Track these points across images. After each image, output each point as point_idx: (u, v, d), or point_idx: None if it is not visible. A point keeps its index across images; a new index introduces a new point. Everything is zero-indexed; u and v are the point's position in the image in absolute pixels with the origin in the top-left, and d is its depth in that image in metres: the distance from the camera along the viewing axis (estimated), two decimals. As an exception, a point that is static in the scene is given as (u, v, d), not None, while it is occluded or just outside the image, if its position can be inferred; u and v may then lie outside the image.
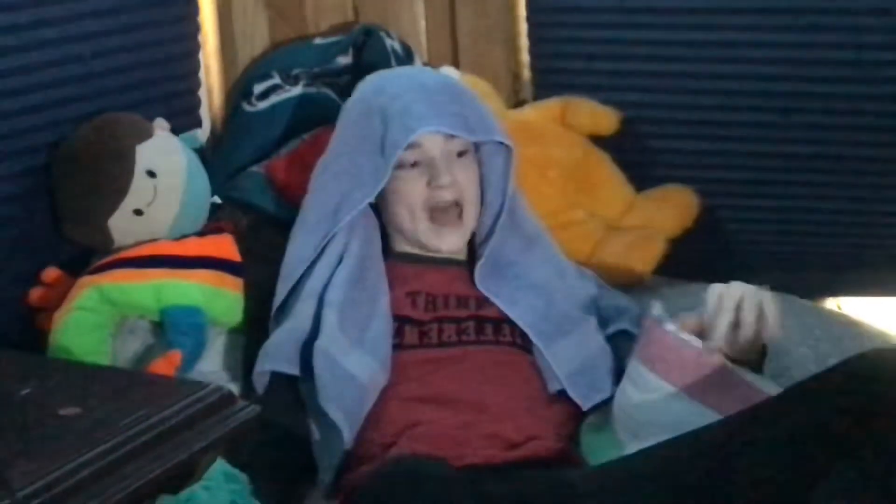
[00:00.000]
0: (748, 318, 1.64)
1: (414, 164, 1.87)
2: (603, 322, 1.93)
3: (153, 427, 1.33)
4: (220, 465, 1.55)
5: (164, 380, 1.69)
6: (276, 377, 1.82)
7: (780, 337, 1.69)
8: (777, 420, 1.51)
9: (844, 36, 2.17)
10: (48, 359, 1.81)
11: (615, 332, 1.92)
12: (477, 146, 1.93)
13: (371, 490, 1.58)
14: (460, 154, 1.89)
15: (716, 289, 1.69)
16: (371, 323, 1.83)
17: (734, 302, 1.65)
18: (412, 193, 1.87)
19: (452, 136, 1.87)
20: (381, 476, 1.61)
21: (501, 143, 1.91)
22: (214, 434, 1.37)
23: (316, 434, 1.80)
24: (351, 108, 1.95)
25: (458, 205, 1.88)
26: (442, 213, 1.88)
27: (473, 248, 1.95)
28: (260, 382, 1.82)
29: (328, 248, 1.89)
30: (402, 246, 1.94)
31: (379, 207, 1.93)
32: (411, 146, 1.85)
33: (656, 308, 1.73)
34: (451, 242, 1.90)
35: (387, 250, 1.95)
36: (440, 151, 1.87)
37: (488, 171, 1.93)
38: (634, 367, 1.73)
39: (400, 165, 1.86)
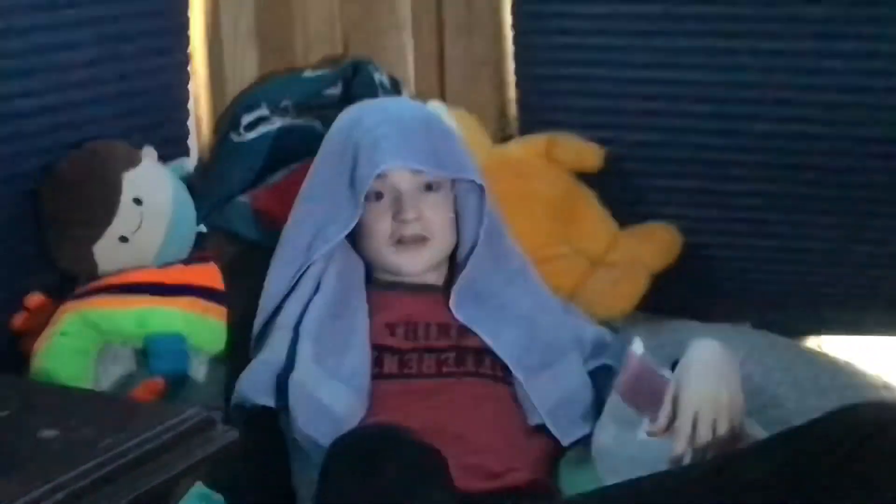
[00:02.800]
0: (703, 433, 1.65)
1: (379, 197, 1.88)
2: (585, 356, 1.93)
3: (132, 450, 1.34)
4: (196, 488, 1.56)
5: (145, 403, 1.70)
6: (256, 407, 1.82)
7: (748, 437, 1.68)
8: (763, 462, 1.52)
9: (830, 78, 2.18)
10: (28, 381, 1.81)
11: (597, 366, 1.92)
12: (454, 180, 1.94)
13: (340, 450, 1.57)
14: (430, 187, 1.90)
15: (672, 396, 1.69)
16: (348, 352, 1.83)
17: (690, 419, 1.65)
18: (378, 226, 1.89)
19: (420, 171, 1.89)
20: (351, 437, 1.59)
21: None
22: (194, 458, 1.38)
23: (296, 463, 1.80)
24: (328, 140, 1.97)
25: (424, 239, 1.89)
26: (407, 244, 1.89)
27: (454, 278, 1.96)
28: (237, 414, 1.83)
29: (303, 279, 1.90)
30: (380, 274, 1.96)
31: (354, 238, 1.94)
32: (379, 177, 1.86)
33: (637, 343, 1.74)
34: (414, 264, 1.90)
35: (368, 278, 1.95)
36: (407, 185, 1.89)
37: (464, 207, 1.94)
38: (615, 401, 1.74)
39: (367, 198, 1.87)
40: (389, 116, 1.93)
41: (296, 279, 1.90)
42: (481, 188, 1.91)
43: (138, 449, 1.34)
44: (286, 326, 1.87)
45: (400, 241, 1.89)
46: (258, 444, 1.80)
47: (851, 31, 2.16)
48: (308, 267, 1.90)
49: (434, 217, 1.90)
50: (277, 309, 1.90)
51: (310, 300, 1.88)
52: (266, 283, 1.93)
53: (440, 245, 1.91)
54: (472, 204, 1.93)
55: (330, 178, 1.91)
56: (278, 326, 1.87)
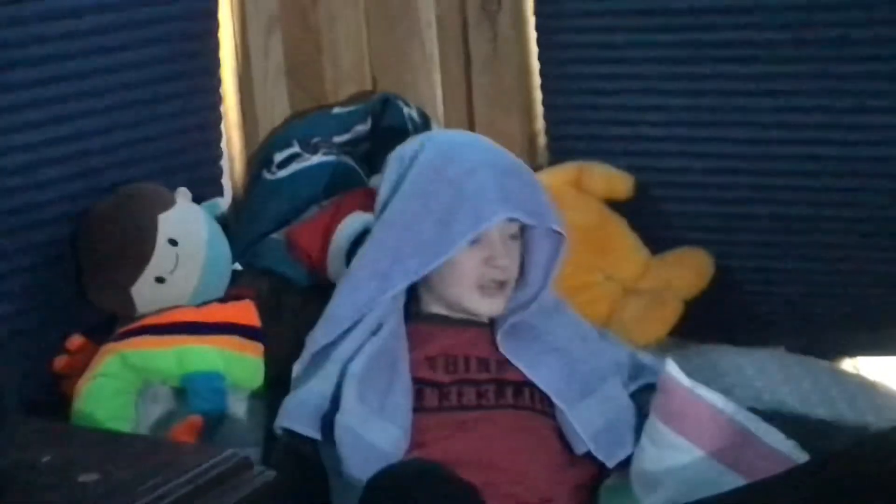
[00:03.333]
0: None
1: (474, 242, 1.89)
2: (625, 380, 1.94)
3: (170, 493, 1.36)
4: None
5: (183, 445, 1.71)
6: (297, 434, 1.84)
7: None
8: (798, 490, 1.53)
9: (858, 100, 2.18)
10: (70, 426, 1.83)
11: (639, 387, 1.93)
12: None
13: (377, 488, 1.58)
14: (514, 235, 1.92)
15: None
16: (391, 389, 1.84)
17: None
18: (467, 269, 1.89)
19: (514, 219, 1.90)
20: (387, 474, 1.61)
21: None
22: (230, 499, 1.39)
23: (337, 494, 1.82)
24: (418, 172, 1.93)
25: (504, 284, 1.91)
26: (489, 288, 1.90)
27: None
28: (279, 443, 1.85)
29: (369, 315, 1.89)
30: (430, 307, 1.96)
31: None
32: None
33: (671, 365, 1.75)
34: (494, 308, 1.92)
35: (409, 310, 1.96)
36: (501, 233, 1.90)
37: (533, 251, 1.94)
38: (652, 422, 1.75)
39: None
40: (485, 160, 1.92)
41: (364, 311, 1.89)
42: (558, 237, 1.92)
43: (176, 492, 1.36)
44: (339, 361, 1.86)
45: (483, 286, 1.90)
46: (298, 475, 1.82)
47: (875, 52, 2.15)
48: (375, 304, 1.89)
49: (514, 262, 1.92)
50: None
51: (367, 340, 1.88)
52: (332, 305, 1.92)
53: (513, 287, 1.93)
54: (543, 250, 1.93)
55: (417, 212, 1.90)
56: (333, 359, 1.87)
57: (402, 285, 1.89)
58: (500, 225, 1.89)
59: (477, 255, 1.89)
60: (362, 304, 1.90)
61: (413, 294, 1.97)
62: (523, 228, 1.94)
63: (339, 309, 1.92)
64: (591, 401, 1.88)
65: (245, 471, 1.42)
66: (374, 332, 1.88)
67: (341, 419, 1.79)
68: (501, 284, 1.90)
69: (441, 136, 2.05)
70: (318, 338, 1.91)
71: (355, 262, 1.95)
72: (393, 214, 1.93)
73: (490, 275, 1.89)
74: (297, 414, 1.84)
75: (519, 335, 1.92)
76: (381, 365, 1.86)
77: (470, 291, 1.90)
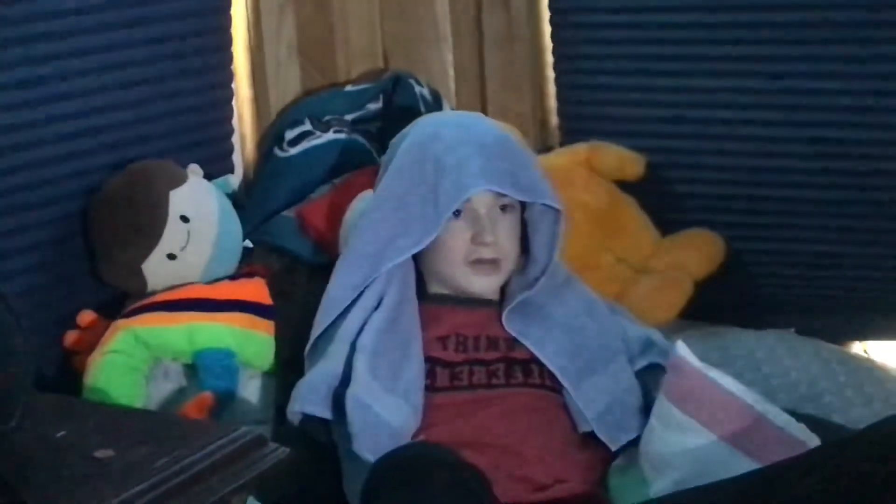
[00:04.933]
0: None
1: (457, 215, 1.89)
2: (633, 356, 1.94)
3: (185, 469, 1.36)
4: (248, 502, 1.58)
5: (197, 422, 1.72)
6: (309, 416, 1.84)
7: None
8: (811, 473, 1.53)
9: (869, 83, 2.18)
10: (83, 401, 1.83)
11: (646, 365, 1.93)
12: (525, 202, 1.95)
13: (382, 470, 1.58)
14: (504, 209, 1.91)
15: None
16: (404, 366, 1.84)
17: None
18: (455, 246, 1.90)
19: (501, 193, 1.90)
20: (393, 456, 1.60)
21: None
22: (245, 476, 1.40)
23: (348, 475, 1.81)
24: (405, 152, 1.95)
25: (497, 261, 1.91)
26: (480, 265, 1.91)
27: (504, 289, 1.97)
28: (292, 422, 1.85)
29: (367, 291, 1.90)
30: (435, 288, 1.97)
31: (417, 251, 1.93)
32: None
33: (681, 346, 1.75)
34: (486, 286, 1.92)
35: (420, 291, 1.97)
36: (487, 207, 1.90)
37: (536, 229, 1.94)
38: (662, 404, 1.75)
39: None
40: (470, 136, 1.93)
41: (360, 289, 1.90)
42: (556, 212, 1.92)
43: (192, 468, 1.36)
44: (345, 338, 1.87)
45: (474, 263, 1.90)
46: (311, 456, 1.82)
47: (886, 35, 2.15)
48: (373, 280, 1.90)
49: (507, 241, 1.91)
50: (338, 317, 1.90)
51: (371, 313, 1.88)
52: (329, 288, 1.93)
53: (509, 267, 1.93)
54: (544, 227, 1.93)
55: (405, 191, 1.91)
56: (338, 338, 1.87)
57: (392, 263, 1.89)
58: (486, 200, 1.89)
59: (464, 233, 1.89)
60: (358, 283, 1.90)
61: (420, 275, 1.97)
62: (525, 207, 1.94)
63: (335, 291, 1.92)
64: (597, 379, 1.88)
65: (259, 448, 1.43)
66: (376, 308, 1.88)
67: (352, 393, 1.79)
68: (494, 262, 1.90)
69: (430, 117, 2.06)
70: (319, 322, 1.92)
71: (350, 244, 1.96)
72: (383, 196, 1.94)
73: (478, 252, 1.89)
74: (309, 396, 1.84)
75: (526, 312, 1.92)
76: (393, 342, 1.86)
77: (461, 269, 1.91)
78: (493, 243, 1.89)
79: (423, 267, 1.96)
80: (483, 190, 1.88)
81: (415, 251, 1.90)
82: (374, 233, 1.92)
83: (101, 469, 1.36)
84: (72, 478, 1.35)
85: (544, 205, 1.92)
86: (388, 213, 1.91)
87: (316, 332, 1.91)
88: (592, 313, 1.98)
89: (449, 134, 1.93)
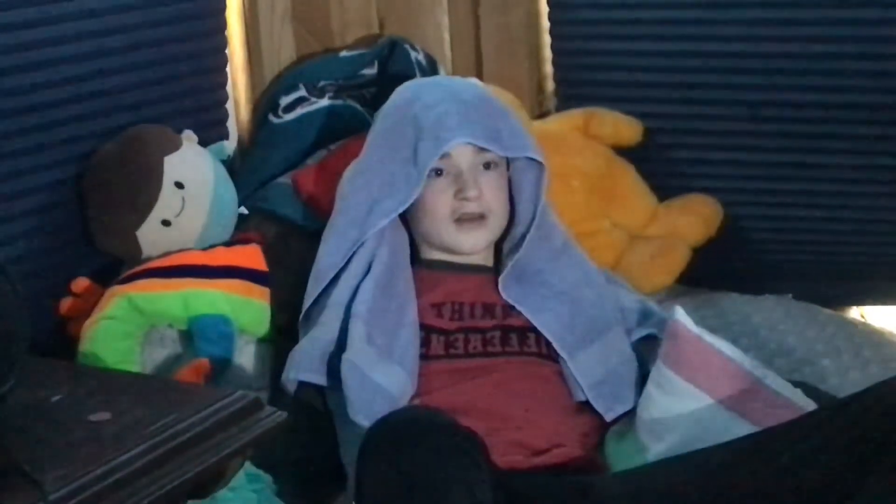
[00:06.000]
0: None
1: (439, 173, 1.89)
2: (630, 326, 1.93)
3: (182, 433, 1.36)
4: (245, 468, 1.58)
5: (193, 386, 1.72)
6: (304, 384, 1.84)
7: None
8: (808, 437, 1.53)
9: (869, 46, 2.17)
10: (78, 366, 1.83)
11: (642, 336, 1.92)
12: (508, 161, 1.94)
13: (376, 434, 1.58)
14: (488, 166, 1.90)
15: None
16: (399, 332, 1.84)
17: None
18: (438, 203, 1.89)
19: (482, 149, 1.89)
20: (386, 421, 1.60)
21: (533, 159, 1.92)
22: (242, 440, 1.40)
23: (344, 441, 1.82)
24: (385, 116, 1.97)
25: (483, 216, 1.90)
26: (467, 222, 1.90)
27: (500, 257, 1.97)
28: (288, 389, 1.84)
29: (356, 256, 1.90)
30: (429, 253, 1.96)
31: (406, 215, 1.95)
32: (441, 156, 1.87)
33: (680, 312, 1.75)
34: (474, 242, 1.91)
35: (414, 258, 1.96)
36: (469, 163, 1.89)
37: (519, 186, 1.94)
38: (659, 369, 1.75)
39: (427, 174, 1.88)
40: (449, 94, 1.93)
41: (349, 255, 1.90)
42: (539, 167, 1.91)
43: (188, 431, 1.36)
44: (338, 304, 1.87)
45: (460, 220, 1.89)
46: (307, 423, 1.82)
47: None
48: (361, 244, 1.90)
49: (493, 195, 1.90)
50: (328, 285, 1.91)
51: (362, 279, 1.88)
52: (318, 257, 1.93)
53: (497, 223, 1.92)
54: (528, 183, 1.93)
55: (387, 154, 1.91)
56: (330, 304, 1.87)
57: (378, 226, 1.88)
58: (467, 156, 1.88)
59: (447, 189, 1.88)
60: (346, 250, 1.90)
61: (413, 241, 1.97)
62: (509, 165, 1.93)
63: (324, 259, 1.92)
64: (593, 349, 1.88)
65: (256, 411, 1.42)
66: (367, 273, 1.88)
67: (348, 358, 1.78)
68: (480, 217, 1.89)
69: (410, 82, 2.05)
70: (309, 291, 1.92)
71: (335, 212, 1.96)
72: (366, 162, 1.95)
73: (463, 207, 1.88)
74: (304, 363, 1.84)
75: (523, 279, 1.92)
76: (387, 307, 1.85)
77: (447, 226, 1.90)
78: (477, 198, 1.88)
79: (413, 231, 1.96)
80: (462, 143, 1.87)
81: (399, 211, 1.89)
82: (359, 198, 1.92)
83: (96, 432, 1.35)
84: (68, 441, 1.34)
85: (528, 160, 1.91)
86: (371, 178, 1.91)
87: (307, 301, 1.91)
88: (589, 282, 1.97)
89: (427, 94, 1.93)
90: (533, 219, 1.91)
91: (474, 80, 2.22)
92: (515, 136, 1.92)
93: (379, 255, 1.90)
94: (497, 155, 1.90)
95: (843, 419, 1.53)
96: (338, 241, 1.92)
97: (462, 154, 1.89)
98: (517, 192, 1.94)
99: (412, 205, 1.90)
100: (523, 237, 1.91)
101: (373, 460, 1.54)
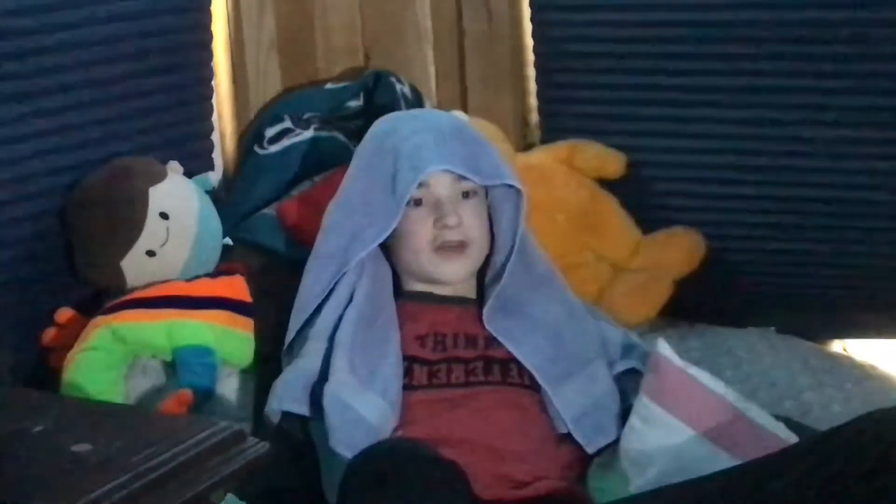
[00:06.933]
0: None
1: (418, 203, 1.89)
2: (612, 359, 1.93)
3: (164, 463, 1.35)
4: (227, 499, 1.57)
5: (176, 417, 1.71)
6: (287, 415, 1.84)
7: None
8: (790, 469, 1.53)
9: (850, 82, 2.19)
10: (60, 396, 1.82)
11: (624, 370, 1.92)
12: (488, 190, 1.95)
13: (359, 466, 1.57)
14: (467, 195, 1.91)
15: None
16: (381, 363, 1.84)
17: None
18: (418, 232, 1.89)
19: (461, 178, 1.90)
20: (369, 453, 1.60)
21: (512, 186, 1.92)
22: (225, 471, 1.39)
23: (326, 472, 1.81)
24: (364, 148, 1.97)
25: (463, 244, 1.90)
26: (447, 250, 1.90)
27: (482, 288, 1.97)
28: (270, 420, 1.84)
29: (338, 287, 1.90)
30: (411, 285, 1.96)
31: (388, 247, 1.95)
32: (420, 185, 1.87)
33: (662, 344, 1.75)
34: (455, 270, 1.91)
35: (397, 290, 1.96)
36: (447, 192, 1.90)
37: (499, 214, 1.94)
38: (642, 401, 1.75)
39: (407, 204, 1.88)
40: (426, 124, 1.94)
41: (330, 287, 1.91)
42: (517, 195, 1.92)
43: (171, 462, 1.35)
44: (320, 336, 1.87)
45: (440, 248, 1.89)
46: (289, 454, 1.82)
47: (861, 32, 2.15)
48: (342, 275, 1.91)
49: (472, 224, 1.90)
50: (311, 317, 1.91)
51: (344, 310, 1.88)
52: (300, 290, 1.94)
53: (478, 252, 1.92)
54: (507, 211, 1.93)
55: (367, 186, 1.92)
56: (312, 336, 1.88)
57: (359, 256, 1.89)
58: (446, 185, 1.89)
59: (427, 218, 1.89)
60: (328, 282, 1.91)
61: (396, 274, 1.97)
62: (488, 194, 1.94)
63: (306, 291, 1.92)
64: (576, 381, 1.87)
65: (239, 443, 1.42)
66: (349, 303, 1.88)
67: (330, 388, 1.78)
68: (461, 246, 1.90)
69: (389, 115, 2.06)
70: (292, 324, 1.92)
71: (316, 245, 1.96)
72: (345, 194, 1.95)
73: (443, 236, 1.88)
74: (287, 394, 1.83)
75: (507, 311, 1.92)
76: (370, 338, 1.86)
77: (427, 255, 1.90)
78: (457, 225, 1.88)
79: (395, 263, 1.96)
80: (440, 172, 1.88)
81: (379, 241, 1.89)
82: (340, 230, 1.92)
83: (79, 463, 1.34)
84: (49, 472, 1.34)
85: (507, 188, 1.92)
86: (351, 210, 1.92)
87: (290, 334, 1.91)
88: (572, 315, 1.97)
89: (405, 125, 1.94)
90: (513, 246, 1.91)
91: (456, 112, 2.23)
92: (493, 164, 1.93)
93: (360, 286, 1.90)
94: (475, 184, 1.91)
95: (825, 451, 1.53)
96: (319, 273, 1.92)
97: (440, 183, 1.89)
98: (497, 221, 1.95)
99: (393, 236, 1.91)
100: (504, 266, 1.92)
101: (355, 492, 1.54)
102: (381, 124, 1.99)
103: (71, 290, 2.08)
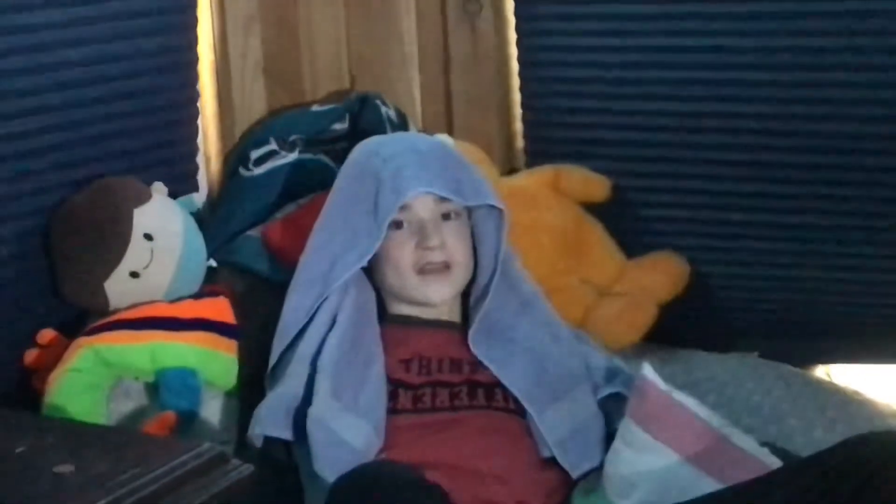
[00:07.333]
0: None
1: (399, 226, 1.89)
2: (597, 384, 1.94)
3: (147, 485, 1.35)
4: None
5: (158, 438, 1.70)
6: (270, 439, 1.83)
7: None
8: (773, 494, 1.54)
9: (831, 108, 2.19)
10: (42, 417, 1.82)
11: (608, 394, 1.92)
12: (470, 212, 1.95)
13: (342, 489, 1.57)
14: (449, 216, 1.91)
15: None
16: (365, 386, 1.84)
17: None
18: (401, 255, 1.90)
19: (443, 199, 1.90)
20: (352, 476, 1.60)
21: (494, 207, 1.92)
22: (207, 493, 1.39)
23: (310, 496, 1.80)
24: (346, 171, 1.98)
25: (447, 266, 1.90)
26: (431, 272, 1.90)
27: (467, 312, 1.97)
28: (254, 445, 1.84)
29: (320, 311, 1.90)
30: (396, 308, 1.96)
31: (371, 270, 1.95)
32: (402, 208, 1.88)
33: (648, 369, 1.75)
34: (439, 292, 1.91)
35: (382, 313, 1.96)
36: (429, 214, 1.90)
37: (482, 235, 1.95)
38: (627, 425, 1.75)
39: (389, 226, 1.88)
40: (407, 146, 1.95)
41: (312, 310, 1.91)
42: (500, 215, 1.92)
43: (154, 484, 1.35)
44: (303, 360, 1.87)
45: (423, 271, 1.90)
46: (273, 477, 1.81)
47: (848, 61, 2.17)
48: (325, 299, 1.90)
49: (455, 245, 1.91)
50: (294, 340, 1.91)
51: (327, 333, 1.88)
52: (283, 314, 1.94)
53: (462, 273, 1.93)
54: (490, 232, 1.94)
55: (348, 209, 1.92)
56: (296, 359, 1.87)
57: (341, 280, 1.89)
58: (428, 206, 1.90)
59: (409, 241, 1.90)
60: (310, 306, 1.91)
61: (381, 297, 1.97)
62: (470, 215, 1.94)
63: (289, 314, 1.92)
64: (560, 405, 1.88)
65: (222, 464, 1.42)
66: (331, 327, 1.88)
67: (313, 413, 1.78)
68: (444, 267, 1.90)
69: (372, 137, 2.07)
70: (275, 348, 1.92)
71: (299, 268, 1.96)
72: (328, 216, 1.95)
73: (426, 258, 1.89)
74: (269, 418, 1.83)
75: (491, 335, 1.92)
76: (353, 362, 1.85)
77: (411, 278, 1.90)
78: (440, 247, 1.89)
79: (379, 286, 1.96)
80: (421, 194, 1.88)
81: (361, 264, 1.90)
82: (322, 253, 1.92)
83: (61, 484, 1.34)
84: (32, 493, 1.33)
85: (489, 209, 1.92)
86: (333, 233, 1.92)
87: (273, 357, 1.91)
88: (557, 339, 1.97)
89: (386, 148, 1.95)
90: (495, 268, 1.91)
91: (441, 136, 2.23)
92: (474, 185, 1.93)
93: (344, 309, 1.90)
94: (457, 205, 1.92)
95: (808, 476, 1.54)
96: (301, 297, 1.92)
97: (422, 205, 1.90)
98: (479, 242, 1.95)
99: (376, 259, 1.91)
100: (488, 287, 1.91)
101: None
102: (362, 147, 2.00)
103: (54, 311, 2.07)
